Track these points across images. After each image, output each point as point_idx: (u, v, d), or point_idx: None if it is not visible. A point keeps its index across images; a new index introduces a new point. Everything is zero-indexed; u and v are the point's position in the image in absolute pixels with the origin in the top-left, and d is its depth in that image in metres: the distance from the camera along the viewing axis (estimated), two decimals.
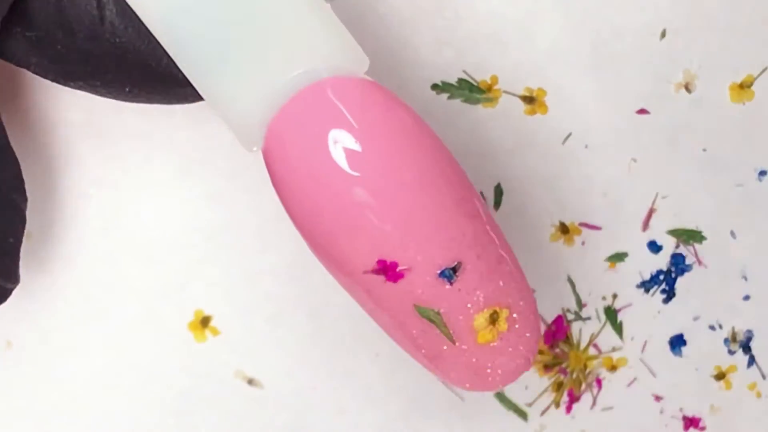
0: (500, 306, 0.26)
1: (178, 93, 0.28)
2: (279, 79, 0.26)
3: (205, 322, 0.32)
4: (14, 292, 0.31)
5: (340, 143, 0.25)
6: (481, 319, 0.26)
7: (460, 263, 0.26)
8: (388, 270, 0.25)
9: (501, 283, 0.26)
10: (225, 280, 0.32)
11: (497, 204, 0.32)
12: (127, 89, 0.28)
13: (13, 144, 0.29)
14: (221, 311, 0.32)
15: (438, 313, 0.26)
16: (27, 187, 0.30)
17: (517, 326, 0.26)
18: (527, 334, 0.27)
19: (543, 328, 0.33)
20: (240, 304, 0.32)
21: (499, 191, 0.32)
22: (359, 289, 0.26)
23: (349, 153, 0.25)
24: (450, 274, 0.25)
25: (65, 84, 0.28)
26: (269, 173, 0.26)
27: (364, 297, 0.26)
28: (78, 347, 0.32)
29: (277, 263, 0.32)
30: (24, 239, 0.31)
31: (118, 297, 0.32)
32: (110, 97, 0.28)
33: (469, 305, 0.26)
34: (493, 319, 0.26)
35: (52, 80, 0.28)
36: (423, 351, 0.27)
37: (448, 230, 0.25)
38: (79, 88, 0.28)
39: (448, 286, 0.26)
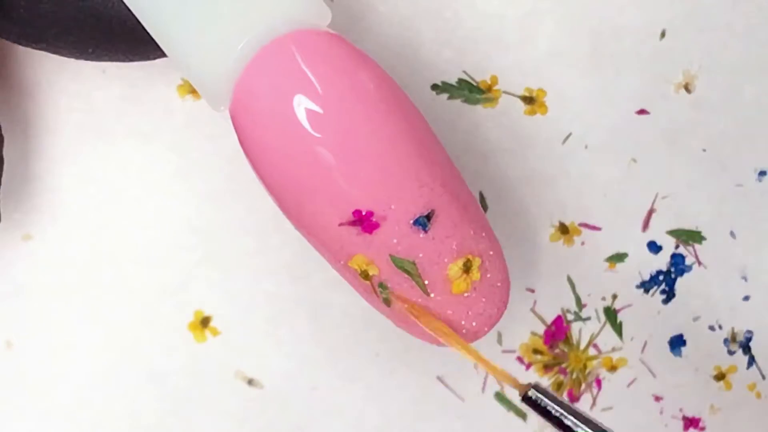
0: (472, 254, 0.26)
1: (140, 51, 0.28)
2: (241, 38, 0.25)
3: (205, 322, 0.32)
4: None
5: (303, 102, 0.25)
6: (455, 268, 0.26)
7: (433, 210, 0.26)
8: (363, 220, 0.25)
9: (471, 231, 0.26)
10: (225, 280, 0.32)
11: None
12: (90, 50, 0.28)
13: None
14: (221, 311, 0.32)
15: (413, 264, 0.26)
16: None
17: (489, 275, 0.27)
18: (498, 284, 0.27)
19: (543, 328, 0.33)
20: (240, 304, 0.32)
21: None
22: (332, 245, 0.26)
23: (312, 113, 0.25)
24: (424, 221, 0.26)
25: (28, 46, 0.28)
26: (236, 133, 0.26)
27: (338, 253, 0.26)
28: (78, 347, 0.32)
29: (277, 263, 0.32)
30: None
31: (118, 297, 0.32)
32: (73, 57, 0.28)
33: (442, 254, 0.26)
34: (467, 268, 0.26)
35: (15, 42, 0.28)
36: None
37: (419, 179, 0.25)
38: (43, 49, 0.28)
39: (422, 235, 0.26)
